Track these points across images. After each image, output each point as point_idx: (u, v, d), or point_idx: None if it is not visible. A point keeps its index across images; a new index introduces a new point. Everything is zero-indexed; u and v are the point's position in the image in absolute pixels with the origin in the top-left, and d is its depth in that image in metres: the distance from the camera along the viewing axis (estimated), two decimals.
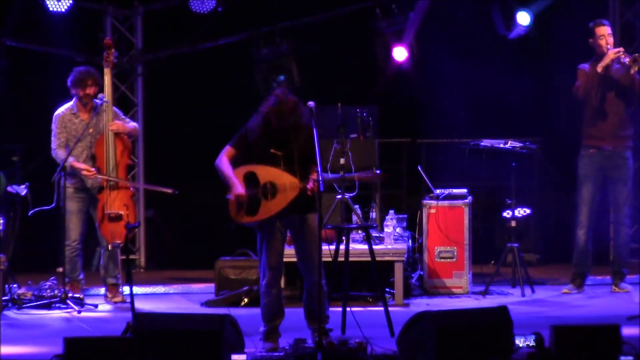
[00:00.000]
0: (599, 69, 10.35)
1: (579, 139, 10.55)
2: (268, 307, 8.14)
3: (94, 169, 10.07)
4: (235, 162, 8.12)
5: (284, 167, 8.02)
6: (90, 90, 10.17)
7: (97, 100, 10.17)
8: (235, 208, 8.05)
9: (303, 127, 8.00)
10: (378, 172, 8.45)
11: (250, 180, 8.03)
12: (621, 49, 10.41)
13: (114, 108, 10.29)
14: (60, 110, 10.25)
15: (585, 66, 10.49)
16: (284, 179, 7.98)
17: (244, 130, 8.12)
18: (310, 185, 7.93)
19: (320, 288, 7.99)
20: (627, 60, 10.32)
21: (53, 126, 10.21)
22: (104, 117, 10.15)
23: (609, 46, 10.40)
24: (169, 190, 10.30)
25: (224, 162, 8.11)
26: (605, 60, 10.36)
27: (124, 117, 10.46)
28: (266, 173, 8.02)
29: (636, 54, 10.37)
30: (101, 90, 10.18)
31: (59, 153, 10.14)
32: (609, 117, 10.43)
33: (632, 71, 10.31)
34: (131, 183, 10.38)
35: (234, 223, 8.15)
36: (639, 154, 10.74)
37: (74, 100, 10.24)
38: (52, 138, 10.21)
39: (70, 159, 10.05)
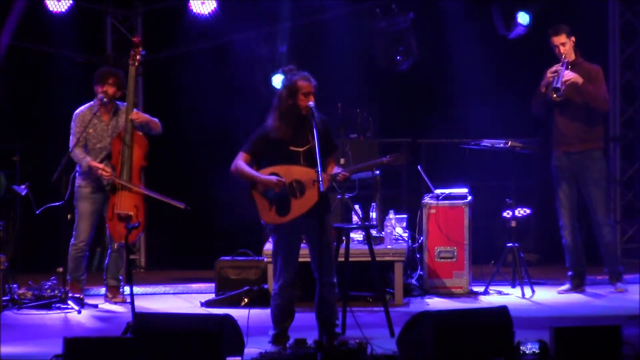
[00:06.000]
0: (542, 88, 10.26)
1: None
2: (280, 309, 8.12)
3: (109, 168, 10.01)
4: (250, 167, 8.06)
5: (305, 164, 8.00)
6: (110, 89, 10.02)
7: (120, 102, 10.10)
8: (267, 209, 7.99)
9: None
10: (387, 158, 8.41)
11: None
12: (558, 68, 10.14)
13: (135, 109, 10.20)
14: (80, 109, 10.12)
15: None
16: (310, 175, 7.94)
17: (262, 133, 8.05)
18: (341, 174, 7.96)
19: (334, 289, 8.02)
20: (553, 87, 10.09)
21: (72, 124, 10.08)
22: (123, 117, 10.09)
23: (564, 57, 10.20)
24: (181, 205, 10.21)
25: (241, 165, 8.02)
26: (545, 80, 10.26)
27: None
28: (288, 172, 7.99)
29: (558, 84, 10.06)
30: (124, 94, 10.08)
31: (76, 152, 10.01)
32: (571, 123, 10.31)
33: (553, 95, 10.12)
34: (144, 190, 10.20)
35: (269, 225, 8.09)
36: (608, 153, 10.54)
37: (95, 99, 10.11)
38: (70, 137, 10.10)
39: (88, 158, 9.99)
